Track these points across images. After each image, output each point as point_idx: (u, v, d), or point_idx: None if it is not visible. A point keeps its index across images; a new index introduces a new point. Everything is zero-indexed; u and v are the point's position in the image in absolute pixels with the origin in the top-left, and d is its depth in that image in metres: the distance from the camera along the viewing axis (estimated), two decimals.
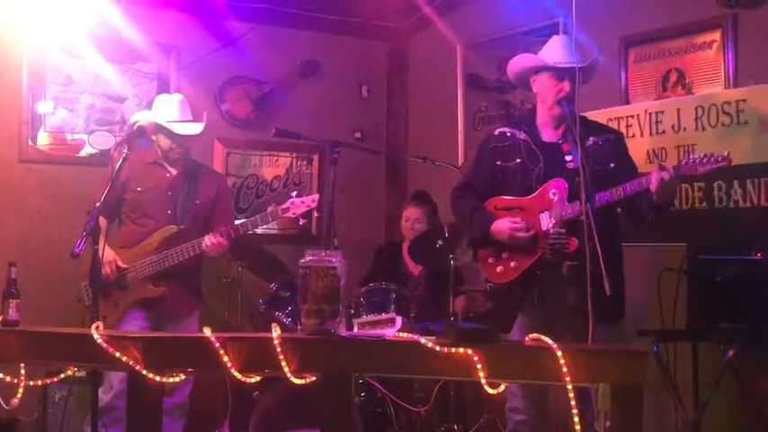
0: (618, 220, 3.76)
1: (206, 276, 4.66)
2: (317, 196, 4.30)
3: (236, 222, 4.42)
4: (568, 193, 3.61)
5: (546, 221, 3.66)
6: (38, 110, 5.37)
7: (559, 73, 3.70)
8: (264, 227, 4.66)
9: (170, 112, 4.43)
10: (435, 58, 6.22)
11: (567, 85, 3.66)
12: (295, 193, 4.32)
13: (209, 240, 4.22)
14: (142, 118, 4.43)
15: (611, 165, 3.68)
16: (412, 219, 5.37)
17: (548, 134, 3.80)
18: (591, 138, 3.68)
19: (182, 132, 4.39)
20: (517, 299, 3.77)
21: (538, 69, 3.79)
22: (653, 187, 3.46)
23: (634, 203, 3.63)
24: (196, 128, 4.45)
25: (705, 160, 3.44)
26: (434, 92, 6.24)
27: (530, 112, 3.98)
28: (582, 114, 3.68)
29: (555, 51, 3.77)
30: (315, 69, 6.17)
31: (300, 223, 4.46)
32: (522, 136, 3.78)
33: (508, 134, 3.84)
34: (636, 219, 3.74)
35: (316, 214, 4.14)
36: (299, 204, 4.22)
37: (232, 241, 4.29)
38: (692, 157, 3.49)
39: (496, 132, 3.92)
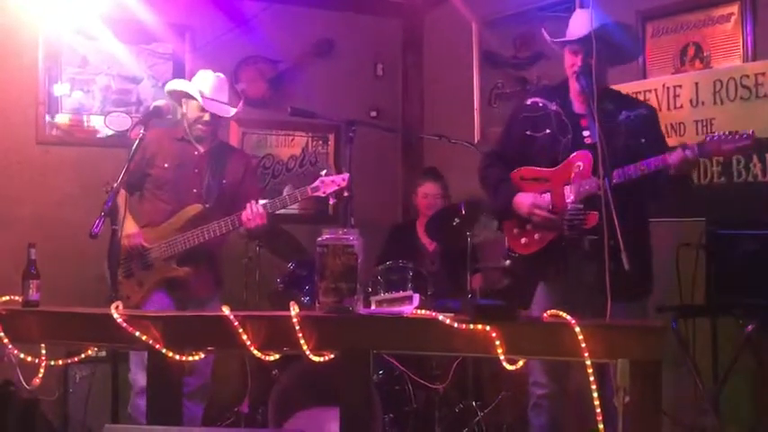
0: (644, 196, 3.73)
1: (224, 257, 4.65)
2: (347, 175, 4.11)
3: (264, 201, 4.25)
4: (591, 167, 3.59)
5: (568, 194, 3.65)
6: (54, 92, 5.39)
7: (574, 48, 3.70)
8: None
9: (205, 86, 4.37)
10: (450, 35, 6.17)
11: (579, 60, 3.66)
12: (324, 171, 4.19)
13: (249, 210, 4.11)
14: (179, 86, 4.39)
15: (642, 140, 3.64)
16: (431, 194, 5.38)
17: (578, 106, 3.77)
18: (623, 112, 3.67)
19: (213, 111, 4.32)
20: (538, 272, 3.78)
21: (557, 45, 3.80)
22: (673, 165, 3.43)
23: (653, 181, 3.61)
24: (226, 110, 4.40)
25: (729, 138, 3.39)
26: (450, 69, 6.21)
27: (563, 82, 3.91)
28: (614, 88, 3.78)
29: (570, 27, 3.77)
30: (329, 48, 6.15)
31: (331, 203, 4.32)
32: (554, 107, 3.77)
33: (540, 104, 3.81)
34: (653, 196, 3.71)
35: (346, 193, 4.01)
36: (330, 183, 4.08)
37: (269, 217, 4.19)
38: (716, 134, 3.44)
39: (528, 102, 3.88)
